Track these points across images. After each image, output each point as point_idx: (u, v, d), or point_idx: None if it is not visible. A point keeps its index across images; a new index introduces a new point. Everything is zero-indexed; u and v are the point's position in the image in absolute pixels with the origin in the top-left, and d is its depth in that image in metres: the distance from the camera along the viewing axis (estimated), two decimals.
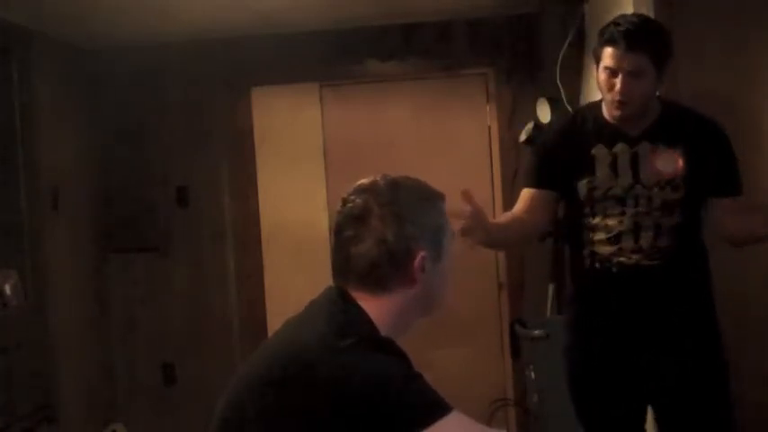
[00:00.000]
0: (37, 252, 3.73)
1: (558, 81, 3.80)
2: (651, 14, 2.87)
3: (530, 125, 3.97)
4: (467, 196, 2.15)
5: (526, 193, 2.50)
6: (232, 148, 4.48)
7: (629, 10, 2.96)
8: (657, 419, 2.46)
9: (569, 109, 3.76)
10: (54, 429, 3.77)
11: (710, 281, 2.41)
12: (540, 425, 3.67)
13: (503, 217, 2.60)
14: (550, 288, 4.11)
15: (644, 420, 2.48)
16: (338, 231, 1.44)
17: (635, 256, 2.32)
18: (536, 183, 2.48)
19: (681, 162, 2.29)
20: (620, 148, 2.33)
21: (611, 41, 2.23)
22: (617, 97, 2.25)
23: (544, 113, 3.95)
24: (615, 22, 2.27)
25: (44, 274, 3.79)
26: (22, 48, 3.77)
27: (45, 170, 3.88)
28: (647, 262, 2.32)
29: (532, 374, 3.65)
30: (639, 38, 2.20)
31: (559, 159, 2.42)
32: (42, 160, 3.87)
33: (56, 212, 3.98)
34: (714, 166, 2.32)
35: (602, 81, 2.28)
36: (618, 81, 2.23)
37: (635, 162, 2.31)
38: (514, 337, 3.94)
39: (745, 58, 2.88)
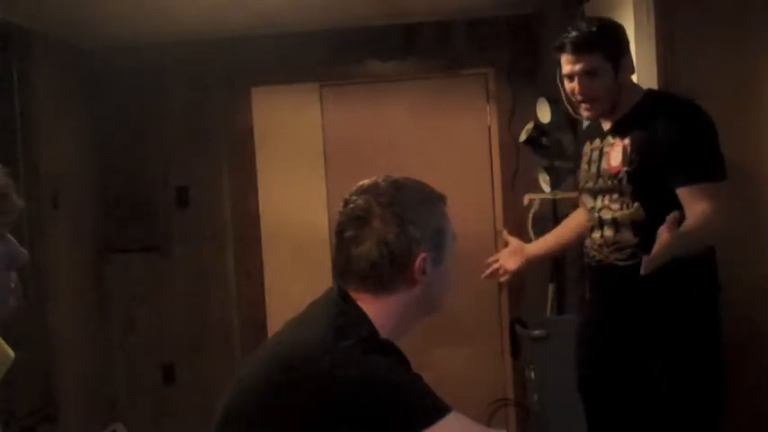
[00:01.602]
0: (37, 252, 3.73)
1: (558, 81, 3.79)
2: (651, 14, 2.87)
3: (530, 125, 3.97)
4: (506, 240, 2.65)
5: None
6: (232, 148, 4.48)
7: (629, 10, 2.96)
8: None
9: (569, 109, 3.75)
10: (54, 429, 3.78)
11: (706, 288, 2.32)
12: (539, 425, 3.67)
13: (560, 226, 2.85)
14: (550, 288, 4.11)
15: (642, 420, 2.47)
16: (339, 232, 1.44)
17: (603, 250, 2.37)
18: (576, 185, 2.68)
19: (622, 156, 2.31)
20: (596, 143, 2.44)
21: (561, 49, 2.35)
22: (579, 98, 2.36)
23: (544, 113, 3.95)
24: (565, 30, 2.37)
25: (44, 274, 3.79)
26: (22, 48, 3.77)
27: (45, 170, 3.88)
28: (613, 261, 2.34)
29: (532, 374, 3.65)
30: (586, 41, 2.30)
31: (575, 161, 2.61)
32: (42, 160, 3.87)
33: (56, 212, 3.98)
34: (669, 154, 2.22)
35: (566, 88, 2.41)
36: (575, 84, 2.34)
37: (600, 157, 2.39)
38: (514, 337, 3.94)
39: (745, 58, 2.88)
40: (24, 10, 3.60)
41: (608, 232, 2.35)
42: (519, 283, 4.42)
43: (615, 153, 2.33)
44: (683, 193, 2.19)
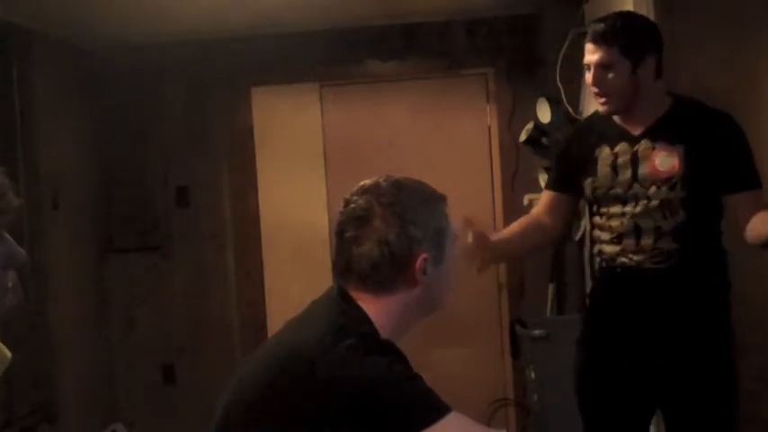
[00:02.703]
0: (37, 252, 3.73)
1: (558, 81, 3.80)
2: (651, 14, 2.87)
3: (530, 125, 3.96)
4: (468, 222, 2.25)
5: (545, 195, 2.59)
6: (232, 148, 4.48)
7: (629, 10, 2.96)
8: (665, 422, 2.44)
9: (569, 109, 3.76)
10: (54, 429, 3.77)
11: (726, 287, 2.36)
12: (539, 425, 3.67)
13: (516, 225, 2.61)
14: (550, 288, 4.11)
15: (647, 422, 2.46)
16: (340, 232, 1.44)
17: (636, 258, 2.31)
18: (552, 185, 2.58)
19: (677, 161, 2.26)
20: (621, 147, 2.34)
21: (584, 37, 2.34)
22: (593, 89, 2.32)
23: (544, 113, 3.94)
24: (594, 20, 2.35)
25: (44, 274, 3.79)
26: (22, 48, 3.77)
27: (45, 170, 3.88)
28: (650, 265, 2.30)
29: (532, 374, 3.65)
30: (606, 33, 2.27)
31: (571, 162, 2.48)
32: (42, 160, 3.87)
33: (56, 212, 3.98)
34: (722, 162, 2.26)
35: (585, 77, 2.36)
36: (590, 74, 2.30)
37: (635, 161, 2.32)
38: (514, 337, 3.94)
39: (745, 58, 2.88)
40: (24, 10, 3.60)
41: (647, 240, 2.29)
42: (519, 283, 4.43)
43: (663, 158, 2.27)
44: (738, 198, 2.25)
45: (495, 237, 2.44)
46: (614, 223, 2.35)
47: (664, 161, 2.28)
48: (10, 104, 3.69)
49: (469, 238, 2.26)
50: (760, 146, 2.79)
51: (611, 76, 2.27)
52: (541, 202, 2.61)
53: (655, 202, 2.28)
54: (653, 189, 2.28)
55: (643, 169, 2.30)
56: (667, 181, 2.27)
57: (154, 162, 4.46)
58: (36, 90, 3.85)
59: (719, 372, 2.32)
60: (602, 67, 2.27)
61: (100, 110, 4.43)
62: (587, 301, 2.66)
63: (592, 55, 2.29)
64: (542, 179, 4.02)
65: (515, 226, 2.60)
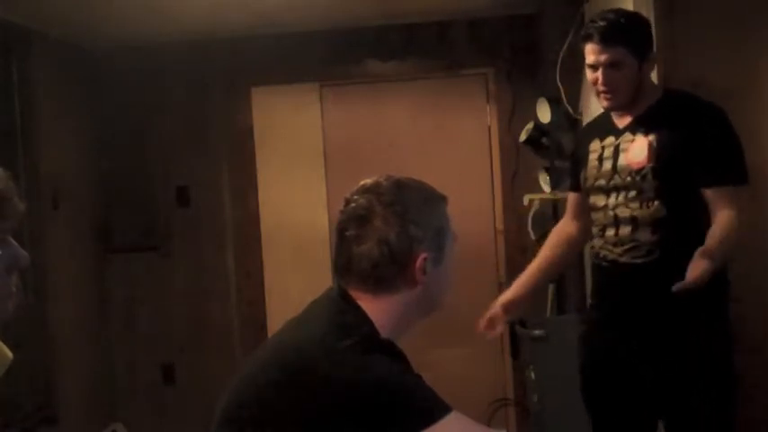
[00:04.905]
0: (37, 252, 3.73)
1: (558, 81, 3.80)
2: (651, 14, 2.87)
3: (530, 125, 3.97)
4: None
5: (568, 197, 2.68)
6: (232, 148, 4.48)
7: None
8: (666, 428, 2.44)
9: (569, 109, 3.76)
10: (54, 429, 3.78)
11: (721, 285, 2.30)
12: (539, 425, 3.67)
13: (538, 260, 2.69)
14: (550, 288, 4.10)
15: (653, 423, 2.46)
16: (341, 231, 1.44)
17: (616, 250, 2.33)
18: (570, 186, 2.65)
19: (647, 151, 2.27)
20: (608, 140, 2.39)
21: (588, 38, 2.31)
22: (601, 88, 2.32)
23: (544, 113, 3.95)
24: (592, 20, 2.35)
25: (44, 273, 3.79)
26: (22, 48, 3.78)
27: (45, 170, 3.88)
28: (628, 260, 2.30)
29: (532, 374, 3.65)
30: (613, 32, 2.27)
31: (576, 159, 2.56)
32: (42, 160, 3.87)
33: (56, 212, 3.98)
34: (698, 154, 2.24)
35: (587, 76, 2.37)
36: (599, 74, 2.30)
37: (617, 153, 2.35)
38: (514, 337, 3.94)
39: (745, 58, 2.88)
40: (24, 10, 3.60)
41: (624, 230, 2.30)
42: None
43: (637, 149, 2.29)
44: (711, 193, 2.22)
45: (516, 295, 2.61)
46: (599, 215, 2.39)
47: (637, 153, 2.30)
48: (10, 104, 3.70)
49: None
50: (760, 146, 2.79)
51: (620, 74, 2.28)
52: (567, 205, 2.69)
53: (632, 193, 2.30)
54: (628, 179, 2.31)
55: (621, 160, 2.33)
56: (639, 172, 2.29)
57: (154, 162, 4.46)
58: (36, 90, 3.85)
59: (712, 374, 2.29)
60: (611, 66, 2.28)
61: (100, 110, 4.43)
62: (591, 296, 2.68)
63: (599, 55, 2.28)
64: (542, 179, 4.02)
65: (543, 249, 2.69)
